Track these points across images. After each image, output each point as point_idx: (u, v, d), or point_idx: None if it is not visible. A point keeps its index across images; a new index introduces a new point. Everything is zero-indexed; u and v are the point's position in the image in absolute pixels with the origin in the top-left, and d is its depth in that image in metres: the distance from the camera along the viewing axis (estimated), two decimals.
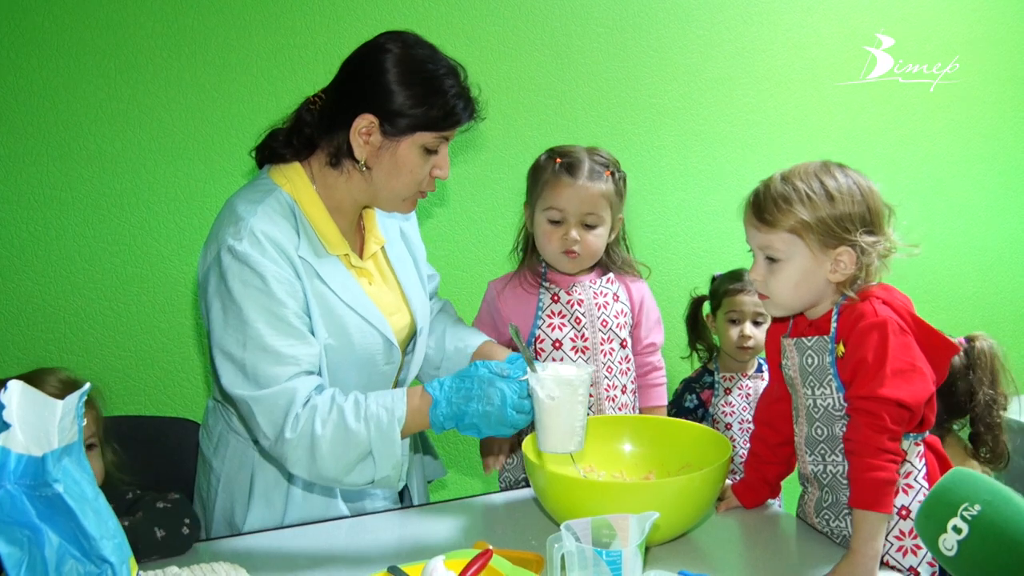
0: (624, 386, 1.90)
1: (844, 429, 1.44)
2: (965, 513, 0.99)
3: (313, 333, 1.49)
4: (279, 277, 1.45)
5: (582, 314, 1.85)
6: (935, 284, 3.29)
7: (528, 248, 1.91)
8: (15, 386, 0.93)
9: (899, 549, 1.44)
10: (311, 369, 1.46)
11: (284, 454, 1.43)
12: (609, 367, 1.87)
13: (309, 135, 1.55)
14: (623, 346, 1.90)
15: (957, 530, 0.99)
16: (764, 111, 2.95)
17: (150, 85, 2.30)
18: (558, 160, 1.81)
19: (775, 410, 1.61)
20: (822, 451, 1.50)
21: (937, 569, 1.45)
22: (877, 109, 3.10)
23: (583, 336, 1.84)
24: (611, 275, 1.92)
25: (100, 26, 2.25)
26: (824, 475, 1.50)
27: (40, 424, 0.94)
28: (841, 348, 1.43)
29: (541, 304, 1.85)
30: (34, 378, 1.55)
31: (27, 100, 2.22)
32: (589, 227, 1.81)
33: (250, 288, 1.43)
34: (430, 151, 1.53)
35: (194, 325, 2.42)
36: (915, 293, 3.32)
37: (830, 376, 1.45)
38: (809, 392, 1.49)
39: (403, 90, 1.47)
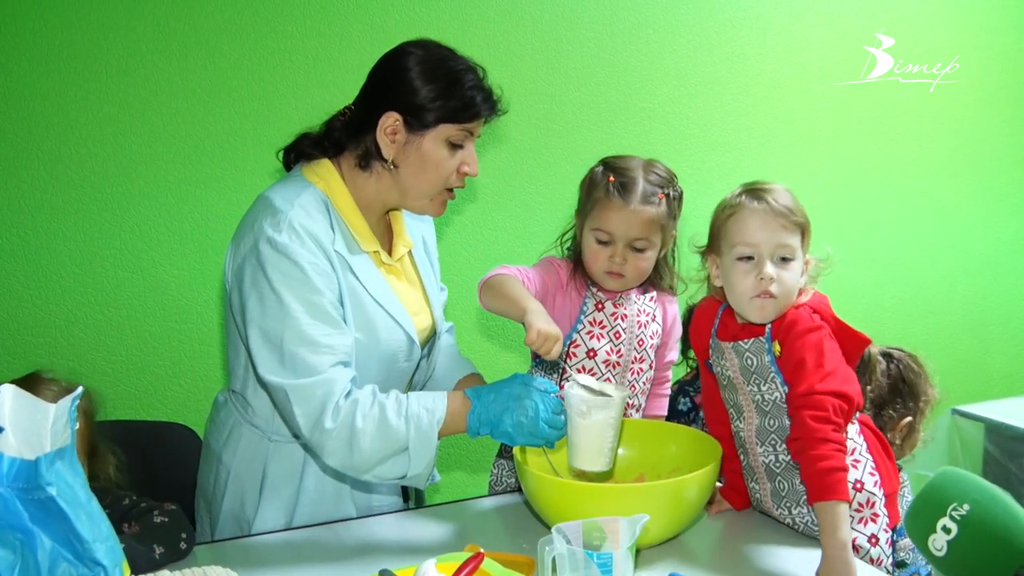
0: (640, 405, 1.88)
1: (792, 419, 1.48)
2: (954, 513, 1.00)
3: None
4: (317, 268, 1.49)
5: (623, 329, 1.80)
6: (924, 286, 3.31)
7: (577, 254, 1.82)
8: (7, 390, 0.93)
9: (860, 520, 1.50)
10: (346, 360, 1.49)
11: (321, 443, 1.45)
12: (633, 385, 1.83)
13: (337, 139, 1.60)
14: (650, 367, 1.86)
15: (947, 530, 1.00)
16: (755, 114, 2.96)
17: (141, 89, 2.30)
18: (611, 178, 1.72)
19: (722, 407, 1.64)
20: (772, 441, 1.54)
21: (890, 536, 1.53)
22: (877, 109, 3.12)
23: (619, 351, 1.79)
24: (654, 293, 1.86)
25: (90, 29, 2.24)
26: (777, 464, 1.55)
27: (33, 427, 0.94)
28: (777, 347, 1.49)
29: (584, 309, 1.80)
30: (30, 382, 1.55)
31: (17, 103, 2.22)
32: (638, 250, 1.74)
33: (289, 278, 1.47)
34: (455, 145, 1.57)
35: (185, 329, 2.41)
36: (904, 295, 3.36)
37: (772, 373, 1.51)
38: (755, 388, 1.54)
39: (424, 85, 1.53)
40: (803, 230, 1.52)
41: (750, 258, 1.50)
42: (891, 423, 1.97)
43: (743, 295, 1.51)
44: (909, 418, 2.00)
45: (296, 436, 1.57)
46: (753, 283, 1.49)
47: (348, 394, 1.45)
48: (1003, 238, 3.40)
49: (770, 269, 1.48)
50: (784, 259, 1.49)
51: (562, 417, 1.48)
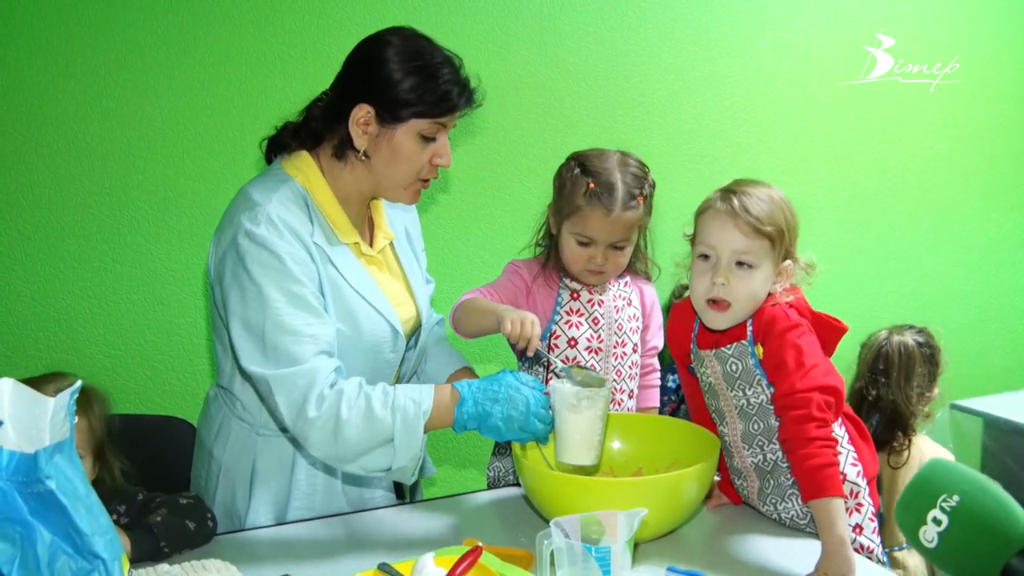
0: (631, 391, 1.89)
1: (779, 420, 1.49)
2: (944, 504, 1.00)
3: None
4: (296, 258, 1.49)
5: (601, 315, 1.82)
6: (922, 281, 3.32)
7: (551, 248, 1.84)
8: (6, 383, 0.93)
9: (846, 510, 1.49)
10: (329, 349, 1.48)
11: (305, 433, 1.45)
12: (619, 371, 1.85)
13: (315, 128, 1.60)
14: (634, 350, 1.88)
15: (937, 522, 1.00)
16: (754, 109, 2.96)
17: (139, 84, 2.30)
18: (591, 184, 1.72)
19: (707, 411, 1.64)
20: (760, 443, 1.54)
21: (876, 524, 1.54)
22: (877, 109, 3.12)
23: (599, 337, 1.82)
24: (627, 278, 1.89)
25: (89, 24, 2.24)
26: (766, 464, 1.55)
27: (32, 421, 0.94)
28: (760, 349, 1.49)
29: (560, 300, 1.82)
30: (48, 380, 1.55)
31: (15, 98, 2.22)
32: (618, 248, 1.78)
33: (268, 269, 1.47)
34: (427, 138, 1.56)
35: (183, 323, 2.41)
36: (902, 289, 3.37)
37: (758, 376, 1.50)
38: (740, 394, 1.54)
39: (399, 78, 1.51)
40: (773, 239, 1.48)
41: (708, 258, 1.50)
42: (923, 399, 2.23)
43: (698, 297, 1.51)
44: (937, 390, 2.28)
45: (283, 429, 1.57)
46: (707, 285, 1.49)
47: (333, 384, 1.45)
48: (1001, 233, 3.41)
49: (722, 275, 1.47)
50: (742, 264, 1.47)
51: (550, 412, 1.48)
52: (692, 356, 1.61)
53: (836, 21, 3.02)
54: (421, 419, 1.45)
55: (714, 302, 1.49)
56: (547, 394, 1.49)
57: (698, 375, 1.61)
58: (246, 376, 1.53)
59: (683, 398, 2.27)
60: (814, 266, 1.55)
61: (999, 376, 3.43)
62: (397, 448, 1.44)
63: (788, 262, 1.51)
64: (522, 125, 2.65)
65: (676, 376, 2.31)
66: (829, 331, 1.53)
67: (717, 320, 1.50)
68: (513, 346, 1.88)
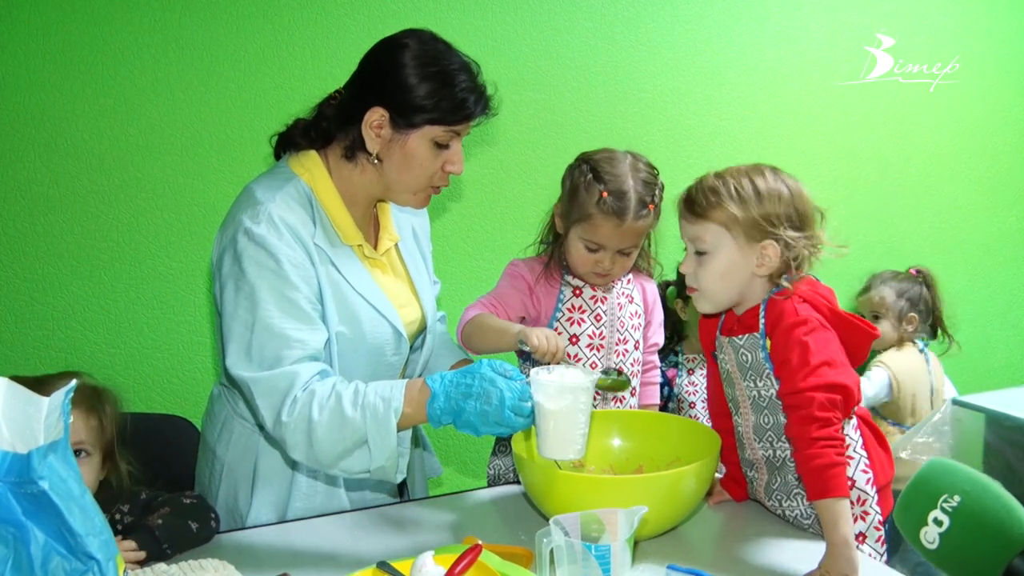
0: (633, 388, 1.89)
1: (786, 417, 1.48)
2: (945, 505, 0.98)
3: (325, 320, 1.51)
4: (294, 261, 1.47)
5: (603, 312, 1.82)
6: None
7: (555, 246, 1.84)
8: (0, 382, 0.93)
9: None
10: (316, 355, 1.46)
11: (283, 437, 1.43)
12: (621, 367, 1.85)
13: (326, 128, 1.59)
14: (636, 347, 1.88)
15: (938, 523, 0.99)
16: (755, 105, 2.96)
17: (138, 81, 2.30)
18: (604, 193, 1.70)
19: (724, 401, 1.63)
20: (770, 438, 1.54)
21: (883, 533, 1.52)
22: (877, 109, 3.12)
23: (601, 334, 1.82)
24: (630, 275, 1.89)
25: (87, 21, 2.24)
26: (776, 459, 1.55)
27: (25, 421, 0.93)
28: (770, 342, 1.48)
29: (562, 297, 1.82)
30: (54, 380, 1.54)
31: (13, 95, 2.21)
32: (625, 253, 1.78)
33: (264, 270, 1.45)
34: (440, 145, 1.54)
35: (183, 321, 2.41)
36: None
37: (767, 369, 1.49)
38: (752, 384, 1.53)
39: (414, 84, 1.49)
40: (725, 223, 1.47)
41: (687, 249, 1.54)
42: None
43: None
44: None
45: (261, 426, 1.56)
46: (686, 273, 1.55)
47: (307, 386, 1.42)
48: (1002, 231, 3.40)
49: (685, 264, 1.53)
50: (700, 252, 1.50)
51: (529, 404, 1.40)
52: (716, 343, 1.60)
53: (836, 21, 3.02)
54: (392, 417, 1.40)
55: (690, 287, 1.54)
56: (527, 383, 1.41)
57: (719, 362, 1.60)
58: (230, 379, 1.51)
59: (670, 395, 2.28)
60: (817, 246, 1.51)
61: (1001, 372, 3.43)
62: (372, 448, 1.41)
63: (768, 242, 1.47)
64: (521, 122, 2.65)
65: (663, 372, 2.31)
66: (856, 335, 1.48)
67: (698, 303, 1.54)
68: (528, 355, 1.87)
